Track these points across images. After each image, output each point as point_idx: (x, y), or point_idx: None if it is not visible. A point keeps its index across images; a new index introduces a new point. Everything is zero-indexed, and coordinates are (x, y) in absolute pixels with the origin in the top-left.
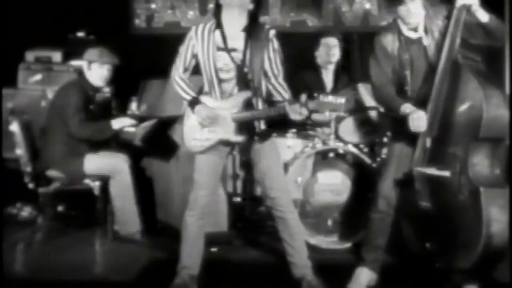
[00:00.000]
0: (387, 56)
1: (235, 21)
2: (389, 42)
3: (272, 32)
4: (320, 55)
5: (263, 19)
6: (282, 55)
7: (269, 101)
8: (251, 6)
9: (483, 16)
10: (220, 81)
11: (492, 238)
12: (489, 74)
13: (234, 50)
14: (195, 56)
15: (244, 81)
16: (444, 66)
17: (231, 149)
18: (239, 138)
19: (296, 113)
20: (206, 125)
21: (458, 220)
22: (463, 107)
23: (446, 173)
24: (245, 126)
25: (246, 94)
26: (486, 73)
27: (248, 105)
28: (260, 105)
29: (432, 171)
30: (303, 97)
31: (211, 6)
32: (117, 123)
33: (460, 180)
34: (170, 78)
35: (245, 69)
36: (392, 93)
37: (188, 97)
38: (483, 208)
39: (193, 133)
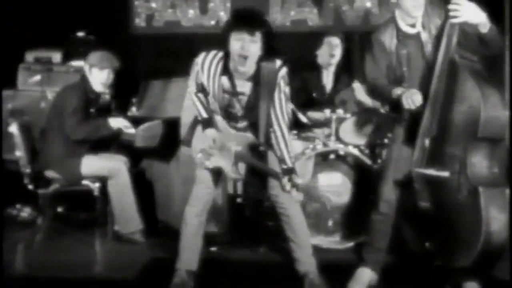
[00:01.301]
0: (384, 53)
1: (243, 72)
2: (387, 38)
3: (281, 74)
4: (321, 54)
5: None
6: (288, 96)
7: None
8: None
9: (483, 27)
10: (227, 112)
11: (491, 237)
12: (487, 73)
13: (242, 94)
14: (204, 85)
15: (252, 119)
16: (442, 66)
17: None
18: (234, 176)
19: (286, 191)
20: (209, 151)
21: (458, 220)
22: (461, 107)
23: (445, 173)
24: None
25: (254, 139)
26: (483, 72)
27: (253, 148)
28: (265, 150)
29: (431, 171)
30: (297, 179)
31: (211, 5)
32: (114, 122)
33: (459, 180)
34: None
35: (251, 112)
36: (385, 83)
37: (200, 118)
38: (482, 207)
39: (201, 145)
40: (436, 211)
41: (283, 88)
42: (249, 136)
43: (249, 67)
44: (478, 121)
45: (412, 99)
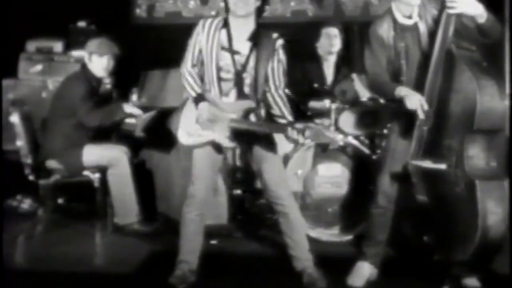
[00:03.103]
0: (382, 46)
1: (241, 26)
2: (385, 31)
3: (279, 43)
4: (321, 45)
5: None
6: (286, 67)
7: (269, 113)
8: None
9: (480, 18)
10: (220, 79)
11: (488, 231)
12: (484, 64)
13: (237, 53)
14: (201, 51)
15: (240, 85)
16: (438, 56)
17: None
18: (229, 145)
19: (292, 140)
20: (202, 124)
21: (455, 213)
22: (457, 98)
23: (442, 166)
24: (243, 134)
25: (249, 104)
26: (481, 63)
27: (248, 114)
28: (260, 115)
29: (428, 164)
30: (300, 125)
31: None
32: (128, 108)
33: (456, 172)
34: (180, 70)
35: (244, 75)
36: (386, 80)
37: (194, 94)
38: (479, 200)
39: (188, 126)
40: (433, 204)
41: (281, 56)
42: (244, 103)
43: (247, 12)
44: (473, 112)
45: (416, 100)
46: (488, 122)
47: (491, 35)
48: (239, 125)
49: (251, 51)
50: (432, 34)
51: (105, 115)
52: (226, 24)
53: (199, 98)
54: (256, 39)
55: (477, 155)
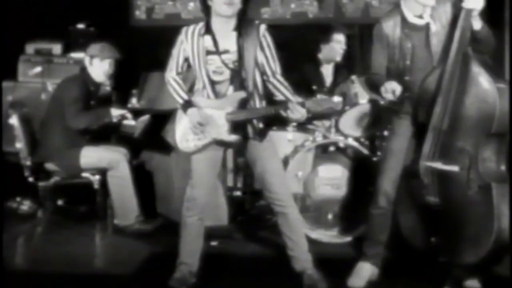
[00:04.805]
0: (386, 45)
1: (225, 26)
2: (390, 30)
3: (263, 28)
4: (328, 50)
5: (263, 11)
6: (276, 49)
7: (269, 100)
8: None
9: (476, 23)
10: (213, 83)
11: (502, 233)
12: (496, 67)
13: (226, 52)
14: (187, 59)
15: (239, 81)
16: (455, 58)
17: (226, 148)
18: (233, 138)
19: (297, 112)
20: (197, 130)
21: (467, 216)
22: (473, 101)
23: (455, 168)
24: (240, 126)
25: (241, 94)
26: (494, 66)
27: (243, 105)
28: (257, 104)
29: (441, 165)
30: (298, 99)
31: None
32: (115, 111)
33: (469, 175)
34: (165, 78)
35: (241, 71)
36: (381, 77)
37: (181, 100)
38: (495, 203)
39: (186, 134)
40: (444, 206)
41: (269, 40)
42: (236, 95)
43: (233, 12)
44: (492, 116)
45: (392, 89)
46: (503, 125)
47: (483, 44)
48: (237, 117)
49: (238, 44)
50: (448, 35)
51: (92, 118)
52: (208, 28)
53: (187, 105)
54: (240, 29)
55: (490, 158)
